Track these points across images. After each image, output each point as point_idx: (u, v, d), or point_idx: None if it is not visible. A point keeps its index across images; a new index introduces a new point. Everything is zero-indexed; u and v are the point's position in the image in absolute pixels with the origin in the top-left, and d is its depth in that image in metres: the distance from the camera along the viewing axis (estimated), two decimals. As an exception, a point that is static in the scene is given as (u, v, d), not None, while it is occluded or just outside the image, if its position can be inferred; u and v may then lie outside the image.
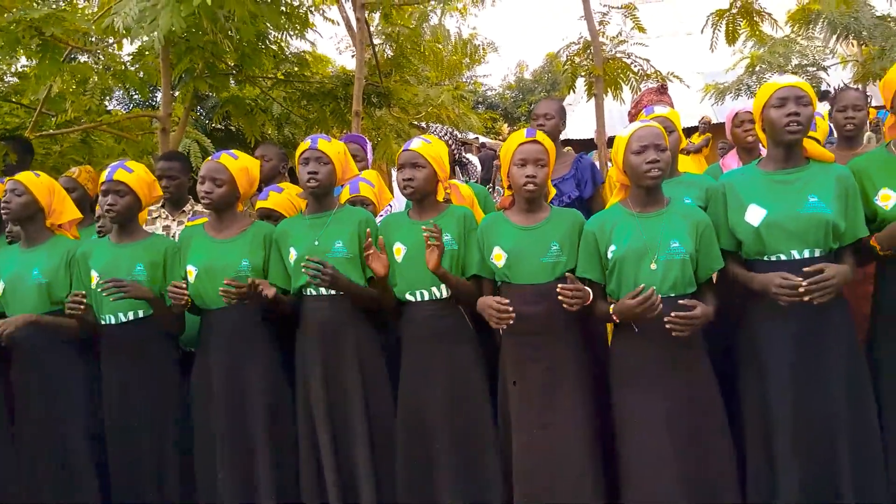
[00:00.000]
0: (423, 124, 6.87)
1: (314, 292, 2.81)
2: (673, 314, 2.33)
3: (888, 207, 2.44)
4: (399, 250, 2.79)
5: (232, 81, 5.55)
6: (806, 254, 2.36)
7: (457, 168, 3.88)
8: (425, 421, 2.77)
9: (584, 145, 12.91)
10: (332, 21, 6.10)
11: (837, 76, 9.59)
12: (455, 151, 3.68)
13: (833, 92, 3.61)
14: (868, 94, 5.79)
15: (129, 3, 3.63)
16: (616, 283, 2.53)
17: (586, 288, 2.51)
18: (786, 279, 2.30)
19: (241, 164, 2.92)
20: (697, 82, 10.19)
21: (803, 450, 2.36)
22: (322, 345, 2.79)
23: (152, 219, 3.58)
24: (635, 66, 5.13)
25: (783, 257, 2.39)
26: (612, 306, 2.47)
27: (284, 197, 3.20)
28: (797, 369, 2.39)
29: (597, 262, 2.58)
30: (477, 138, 14.81)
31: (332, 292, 2.79)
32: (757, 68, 10.10)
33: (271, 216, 3.14)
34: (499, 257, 2.67)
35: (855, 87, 2.97)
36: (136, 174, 2.90)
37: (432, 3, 6.39)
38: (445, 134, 3.67)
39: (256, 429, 2.80)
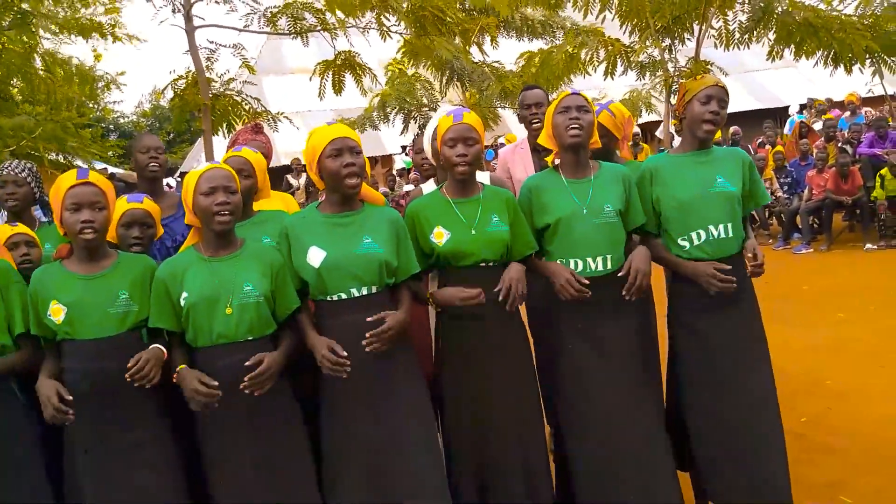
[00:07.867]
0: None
1: None
2: (246, 379, 2.33)
3: (441, 244, 2.68)
4: None
5: None
6: (364, 291, 2.49)
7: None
8: None
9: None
10: None
11: (451, 118, 10.74)
12: (35, 190, 3.52)
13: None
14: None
15: None
16: (192, 330, 2.45)
17: (160, 348, 2.41)
18: (334, 352, 2.39)
19: None
20: (327, 118, 10.68)
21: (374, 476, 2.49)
22: None
23: None
24: (246, 104, 5.16)
25: (344, 296, 2.49)
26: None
27: None
28: (368, 405, 2.50)
29: (170, 309, 2.47)
30: (105, 168, 13.56)
31: None
32: (387, 106, 10.92)
33: None
34: (57, 312, 2.40)
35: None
36: None
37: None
38: (23, 170, 3.46)
39: None
